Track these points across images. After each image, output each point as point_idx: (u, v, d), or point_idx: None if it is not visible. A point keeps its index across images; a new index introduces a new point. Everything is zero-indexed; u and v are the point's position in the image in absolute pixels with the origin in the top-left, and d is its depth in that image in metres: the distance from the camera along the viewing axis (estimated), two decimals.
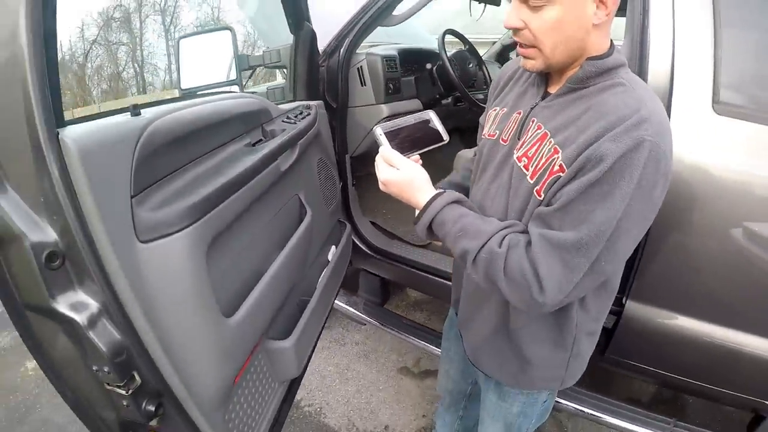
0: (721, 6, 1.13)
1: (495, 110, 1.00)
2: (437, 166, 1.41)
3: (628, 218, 0.72)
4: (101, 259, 0.74)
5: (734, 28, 1.14)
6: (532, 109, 0.88)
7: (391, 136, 0.90)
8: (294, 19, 1.61)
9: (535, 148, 0.83)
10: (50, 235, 0.72)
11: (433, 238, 0.92)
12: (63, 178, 0.69)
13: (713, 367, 1.37)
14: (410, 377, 2.30)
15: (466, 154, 1.94)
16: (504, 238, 0.81)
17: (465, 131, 2.90)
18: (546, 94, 0.89)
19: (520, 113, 0.91)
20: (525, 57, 0.83)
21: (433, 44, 3.32)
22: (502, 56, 3.29)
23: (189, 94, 1.66)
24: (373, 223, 2.28)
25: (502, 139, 0.93)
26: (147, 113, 0.85)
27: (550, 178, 0.78)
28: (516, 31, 0.81)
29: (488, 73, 2.62)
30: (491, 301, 1.00)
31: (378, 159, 0.92)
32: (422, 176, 0.90)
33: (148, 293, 0.79)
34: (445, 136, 0.97)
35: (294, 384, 1.35)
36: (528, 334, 0.96)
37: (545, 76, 0.90)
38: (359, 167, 2.66)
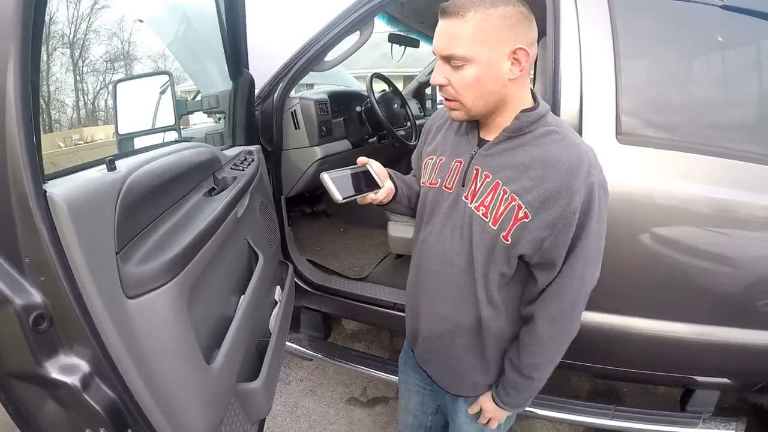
0: (621, 58, 1.35)
1: (431, 159, 1.09)
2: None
3: (599, 240, 0.92)
4: (92, 318, 0.74)
5: (631, 76, 1.37)
6: (472, 158, 0.98)
7: (337, 181, 1.00)
8: (234, 66, 1.65)
9: (491, 197, 0.93)
10: (36, 297, 0.70)
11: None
12: (51, 236, 0.68)
13: (645, 354, 1.56)
14: (359, 407, 2.33)
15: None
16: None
17: (388, 166, 3.05)
18: (481, 141, 0.99)
19: (460, 162, 1.00)
20: (450, 108, 0.94)
21: (353, 83, 3.48)
22: (419, 92, 3.53)
23: (126, 138, 1.63)
24: (310, 261, 2.32)
25: (446, 187, 1.02)
26: (121, 167, 0.86)
27: (517, 224, 0.90)
28: (441, 87, 0.91)
29: (410, 111, 2.80)
30: (459, 340, 1.07)
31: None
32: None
33: (138, 348, 0.80)
34: (380, 183, 1.09)
35: (262, 423, 1.35)
36: (502, 357, 1.07)
37: (475, 124, 1.00)
38: (293, 207, 2.70)
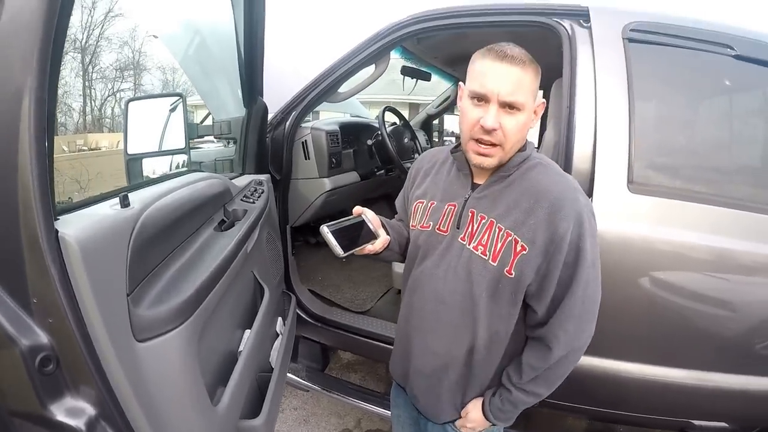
0: (636, 107, 1.36)
1: (421, 202, 1.11)
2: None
3: (595, 261, 0.95)
4: (100, 362, 0.71)
5: (644, 126, 1.38)
6: (466, 201, 1.02)
7: (336, 234, 1.00)
8: (248, 93, 1.65)
9: (487, 236, 0.97)
10: (43, 338, 0.68)
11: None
12: (61, 278, 0.66)
13: (643, 399, 1.53)
14: None
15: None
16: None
17: (393, 197, 3.05)
18: (473, 185, 1.03)
19: (454, 206, 1.04)
20: (484, 155, 0.95)
21: (362, 111, 3.50)
22: (426, 124, 3.56)
23: (135, 159, 1.61)
24: (311, 291, 2.29)
25: (439, 230, 1.05)
26: (135, 203, 0.84)
27: (518, 257, 0.93)
28: (491, 131, 0.91)
29: (419, 144, 2.81)
30: (447, 376, 1.07)
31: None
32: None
33: (146, 392, 0.78)
34: (377, 234, 1.09)
35: None
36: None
37: (468, 169, 1.04)
38: (297, 236, 2.66)
